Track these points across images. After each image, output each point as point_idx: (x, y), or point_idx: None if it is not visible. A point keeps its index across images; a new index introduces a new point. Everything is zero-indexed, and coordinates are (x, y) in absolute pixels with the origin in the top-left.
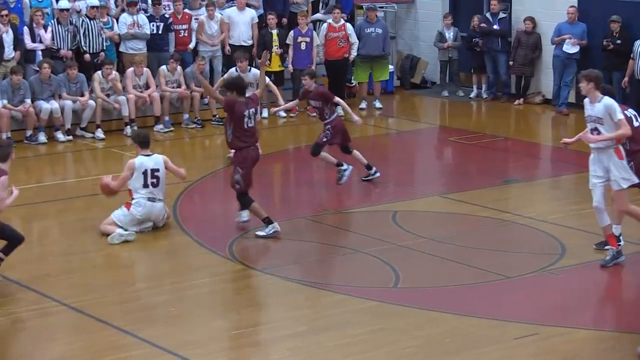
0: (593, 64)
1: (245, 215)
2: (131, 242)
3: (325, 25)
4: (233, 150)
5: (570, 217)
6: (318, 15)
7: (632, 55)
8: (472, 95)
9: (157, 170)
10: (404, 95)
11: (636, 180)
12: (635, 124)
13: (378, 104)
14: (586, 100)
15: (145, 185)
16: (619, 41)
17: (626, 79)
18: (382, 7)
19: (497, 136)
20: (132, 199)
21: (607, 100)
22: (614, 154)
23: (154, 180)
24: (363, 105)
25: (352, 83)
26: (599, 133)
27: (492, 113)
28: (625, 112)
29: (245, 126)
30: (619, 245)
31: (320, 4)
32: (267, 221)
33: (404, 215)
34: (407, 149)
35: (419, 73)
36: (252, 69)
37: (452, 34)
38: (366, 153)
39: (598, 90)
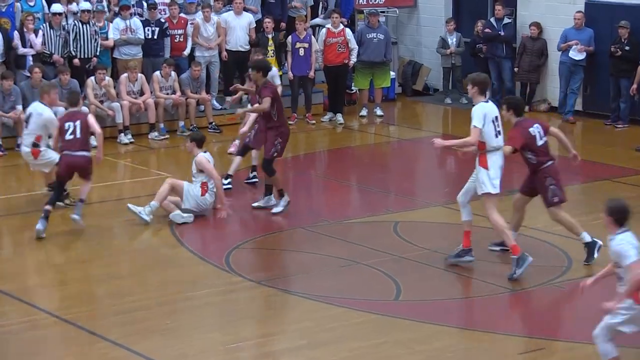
0: (600, 71)
1: (280, 205)
2: (125, 253)
3: (324, 30)
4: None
5: None
6: (317, 20)
7: None
8: None
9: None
10: (406, 102)
11: (489, 190)
12: (539, 142)
13: (379, 112)
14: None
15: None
16: (627, 47)
17: (634, 86)
18: (383, 12)
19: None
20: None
21: (476, 106)
22: (477, 160)
23: None
24: (364, 112)
25: (352, 90)
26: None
27: None
28: (530, 128)
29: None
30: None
31: (320, 9)
32: (281, 193)
33: (406, 225)
34: (409, 158)
35: (421, 80)
36: None
37: (455, 39)
38: (367, 161)
39: (482, 96)
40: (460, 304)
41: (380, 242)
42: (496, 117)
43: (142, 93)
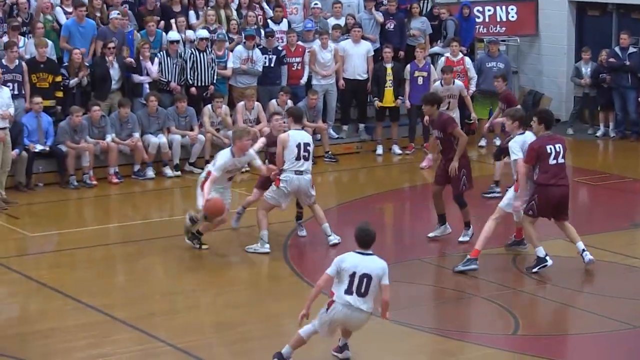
0: None
1: (467, 235)
2: (238, 284)
3: (443, 58)
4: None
5: None
6: (436, 49)
7: None
8: (599, 133)
9: (309, 144)
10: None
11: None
12: (552, 161)
13: (498, 142)
14: None
15: (298, 158)
16: None
17: None
18: (504, 41)
19: (626, 177)
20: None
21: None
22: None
23: (306, 154)
24: (483, 142)
25: (471, 120)
26: None
27: (620, 153)
28: (548, 146)
29: None
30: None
31: (441, 37)
32: (468, 224)
33: (525, 258)
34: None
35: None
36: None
37: (589, 69)
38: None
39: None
40: (579, 339)
41: (498, 275)
42: None
43: (258, 121)
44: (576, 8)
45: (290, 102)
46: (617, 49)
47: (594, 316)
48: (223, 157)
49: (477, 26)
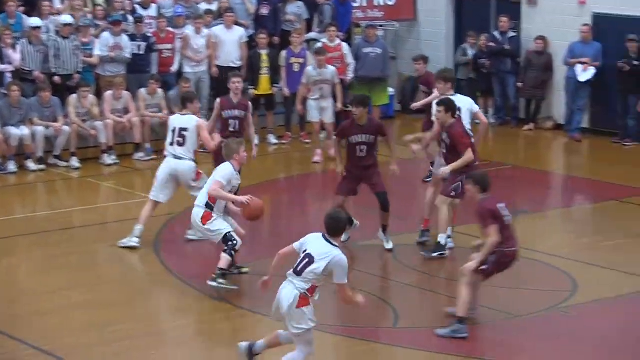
0: (608, 87)
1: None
2: (108, 282)
3: (319, 45)
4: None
5: (583, 251)
6: (312, 35)
7: None
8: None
9: (185, 129)
10: (406, 120)
11: None
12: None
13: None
14: None
15: (172, 144)
16: (636, 62)
17: None
18: (382, 26)
19: (505, 164)
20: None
21: None
22: None
23: (180, 139)
24: None
25: (348, 107)
26: None
27: (500, 139)
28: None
29: None
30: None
31: (315, 22)
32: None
33: (404, 250)
34: (409, 179)
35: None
36: None
37: (473, 52)
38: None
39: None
40: None
41: (377, 267)
42: None
43: (127, 111)
44: None
45: (160, 91)
46: (496, 33)
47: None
48: (225, 169)
49: (354, 11)
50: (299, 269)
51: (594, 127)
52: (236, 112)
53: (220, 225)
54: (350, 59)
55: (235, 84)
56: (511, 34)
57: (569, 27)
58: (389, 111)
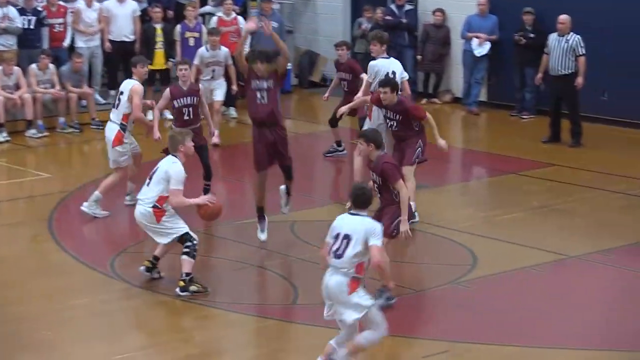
0: (505, 60)
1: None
2: (3, 260)
3: (215, 18)
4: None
5: (482, 225)
6: (207, 8)
7: (546, 50)
8: None
9: (122, 93)
10: (303, 94)
11: None
12: None
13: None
14: None
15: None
16: (532, 35)
17: (539, 75)
18: None
19: None
20: None
21: None
22: None
23: (116, 102)
24: None
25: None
26: None
27: None
28: None
29: None
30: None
31: None
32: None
33: (303, 225)
34: (306, 153)
35: (318, 70)
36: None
37: (370, 25)
38: None
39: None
40: None
41: (276, 243)
42: None
43: (18, 87)
44: None
45: (52, 67)
46: (393, 7)
47: (376, 282)
48: (177, 173)
49: None
50: (339, 252)
51: (492, 101)
52: (188, 100)
53: (178, 224)
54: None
55: (182, 71)
56: (408, 6)
57: (466, 0)
58: (286, 85)
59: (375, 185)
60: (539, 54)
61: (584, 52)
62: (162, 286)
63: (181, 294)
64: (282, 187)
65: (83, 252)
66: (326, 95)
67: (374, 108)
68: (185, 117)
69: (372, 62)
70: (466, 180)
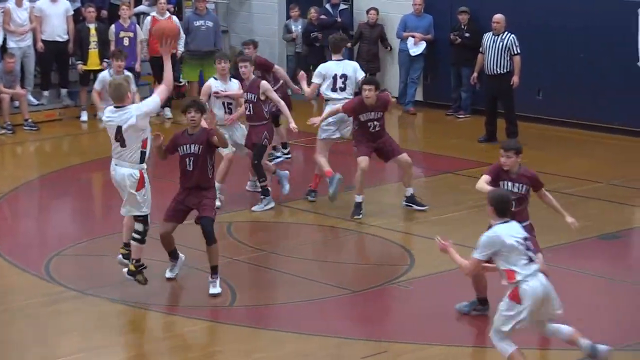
0: (441, 59)
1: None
2: None
3: (149, 18)
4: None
5: (420, 225)
6: (142, 8)
7: (481, 49)
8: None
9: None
10: None
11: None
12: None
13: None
14: None
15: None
16: (467, 34)
17: (475, 74)
18: None
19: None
20: None
21: None
22: None
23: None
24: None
25: (181, 82)
26: None
27: None
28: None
29: None
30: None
31: None
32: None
33: (240, 226)
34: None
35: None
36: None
37: (299, 27)
38: None
39: None
40: (299, 308)
41: None
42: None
43: None
44: None
45: None
46: (328, 6)
47: (313, 283)
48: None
49: None
50: (531, 255)
51: (428, 100)
52: (250, 96)
53: (149, 200)
54: (180, 33)
55: (242, 68)
56: (342, 6)
57: None
58: None
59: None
60: (475, 54)
61: (519, 51)
62: (98, 289)
63: (127, 277)
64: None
65: (16, 254)
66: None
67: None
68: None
69: (322, 64)
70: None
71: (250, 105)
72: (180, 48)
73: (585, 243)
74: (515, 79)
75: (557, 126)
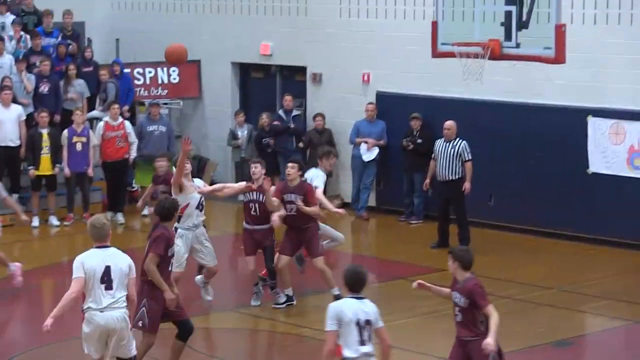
0: (393, 165)
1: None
2: None
3: (101, 123)
4: None
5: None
6: (95, 113)
7: (433, 155)
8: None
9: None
10: None
11: None
12: None
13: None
14: None
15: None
16: (419, 140)
17: (427, 180)
18: (166, 104)
19: None
20: None
21: None
22: None
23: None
24: (146, 211)
25: (133, 187)
26: None
27: None
28: None
29: None
30: None
31: (97, 100)
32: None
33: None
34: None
35: (207, 175)
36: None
37: (245, 132)
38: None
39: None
40: None
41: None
42: None
43: None
44: (240, 70)
45: None
46: (281, 112)
47: None
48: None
49: (138, 89)
50: (364, 338)
51: (381, 206)
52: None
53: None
54: (133, 138)
55: (254, 168)
56: (295, 112)
57: (354, 105)
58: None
59: (457, 309)
60: (427, 159)
61: (470, 157)
62: None
63: None
64: None
65: None
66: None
67: None
68: (252, 213)
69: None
70: None
71: (256, 205)
72: (133, 153)
73: (538, 350)
74: (467, 185)
75: (509, 232)
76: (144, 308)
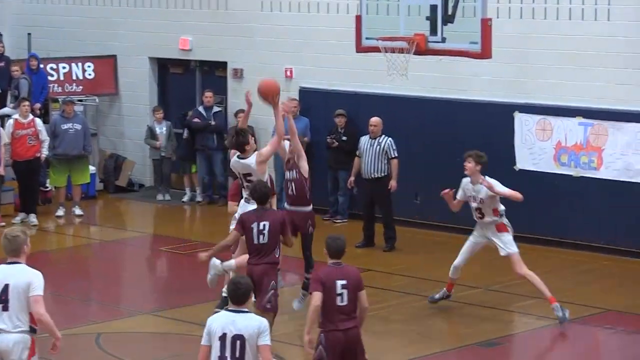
0: (318, 162)
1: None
2: None
3: (11, 121)
4: None
5: (296, 335)
6: (5, 110)
7: (358, 152)
8: (186, 198)
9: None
10: (108, 200)
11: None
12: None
13: (78, 211)
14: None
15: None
16: (344, 137)
17: (352, 178)
18: (81, 101)
19: (214, 244)
20: None
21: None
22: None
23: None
24: (60, 212)
25: (47, 187)
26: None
27: (209, 219)
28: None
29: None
30: None
31: (9, 97)
32: None
33: (110, 337)
34: (113, 261)
35: (124, 174)
36: None
37: (164, 129)
38: (64, 267)
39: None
40: None
41: (80, 358)
42: None
43: None
44: (158, 65)
45: None
46: (201, 109)
47: None
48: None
49: (52, 85)
50: (237, 355)
51: None
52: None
53: None
54: (44, 136)
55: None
56: (216, 108)
57: None
58: (91, 190)
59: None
60: (352, 157)
61: (396, 154)
62: None
63: None
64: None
65: None
66: None
67: None
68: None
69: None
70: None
71: (293, 184)
72: (44, 152)
73: (465, 350)
74: (392, 183)
75: (435, 230)
76: (272, 291)
